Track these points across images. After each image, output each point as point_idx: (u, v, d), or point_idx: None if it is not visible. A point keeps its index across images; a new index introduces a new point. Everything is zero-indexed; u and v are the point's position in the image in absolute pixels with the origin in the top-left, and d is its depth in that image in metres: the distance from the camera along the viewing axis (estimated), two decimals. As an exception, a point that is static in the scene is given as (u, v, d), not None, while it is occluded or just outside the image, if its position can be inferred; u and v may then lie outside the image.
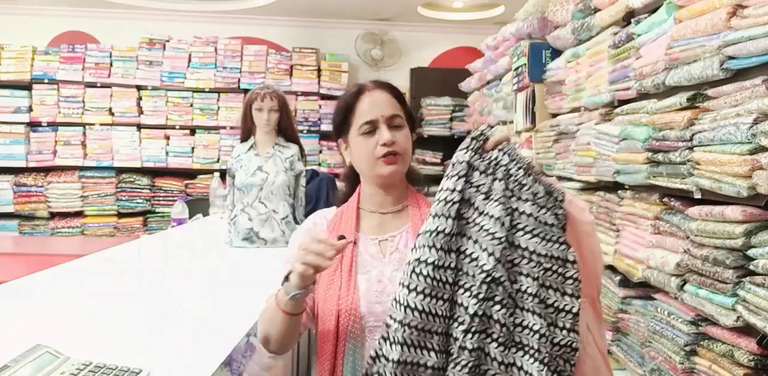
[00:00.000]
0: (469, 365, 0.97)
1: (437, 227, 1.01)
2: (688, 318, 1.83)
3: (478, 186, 1.03)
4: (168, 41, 5.75)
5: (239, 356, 1.47)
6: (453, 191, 1.03)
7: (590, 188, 2.71)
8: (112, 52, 5.66)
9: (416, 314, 0.99)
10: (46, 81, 5.56)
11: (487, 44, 4.55)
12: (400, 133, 1.28)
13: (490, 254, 0.98)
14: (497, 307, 0.97)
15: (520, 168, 1.02)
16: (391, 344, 1.00)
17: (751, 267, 1.51)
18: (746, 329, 1.59)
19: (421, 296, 0.99)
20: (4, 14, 5.77)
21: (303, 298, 1.16)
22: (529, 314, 0.98)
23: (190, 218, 3.74)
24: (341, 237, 1.29)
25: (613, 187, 2.43)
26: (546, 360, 0.97)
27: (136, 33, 5.71)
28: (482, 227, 1.00)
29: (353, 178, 1.39)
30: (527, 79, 3.40)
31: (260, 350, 1.75)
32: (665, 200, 2.01)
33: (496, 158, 1.03)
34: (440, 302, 0.99)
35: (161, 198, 5.70)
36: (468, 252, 1.01)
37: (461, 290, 1.00)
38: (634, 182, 2.18)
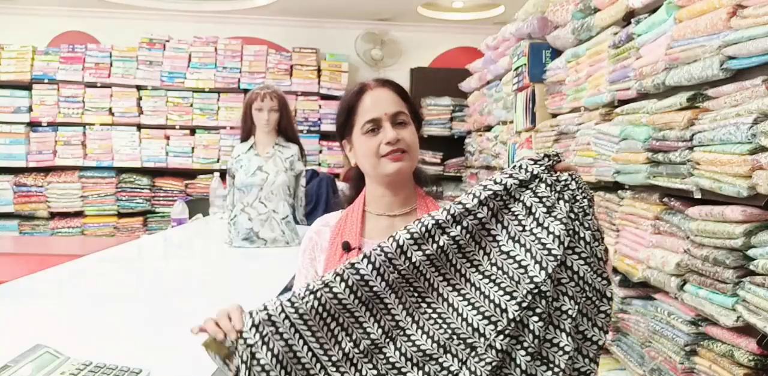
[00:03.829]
0: (494, 363, 0.96)
1: (465, 204, 1.03)
2: (688, 318, 1.83)
3: (542, 198, 1.03)
4: (168, 41, 5.75)
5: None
6: (498, 183, 1.04)
7: (590, 188, 2.70)
8: (112, 52, 5.65)
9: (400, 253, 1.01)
10: (46, 81, 5.56)
11: (487, 44, 4.56)
12: (405, 130, 1.25)
13: (543, 268, 0.98)
14: (536, 318, 0.97)
15: (585, 198, 1.05)
16: None
17: (751, 267, 1.51)
18: (746, 329, 1.59)
19: (411, 241, 1.01)
20: (4, 14, 5.77)
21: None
22: (564, 334, 0.98)
23: (190, 218, 3.74)
24: (345, 244, 1.26)
25: (613, 187, 2.43)
26: None
27: (136, 33, 5.71)
28: (539, 239, 1.01)
29: (358, 180, 1.35)
30: (527, 79, 3.40)
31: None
32: (665, 199, 2.01)
33: (565, 180, 1.05)
34: (419, 254, 1.00)
35: (161, 198, 5.70)
36: (518, 258, 1.01)
37: (496, 288, 1.00)
38: (634, 182, 2.18)
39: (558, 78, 3.09)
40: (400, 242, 1.01)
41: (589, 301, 1.01)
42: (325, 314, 0.99)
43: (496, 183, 1.04)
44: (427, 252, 1.01)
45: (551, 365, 0.98)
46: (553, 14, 3.12)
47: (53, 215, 5.59)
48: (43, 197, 5.52)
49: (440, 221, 1.02)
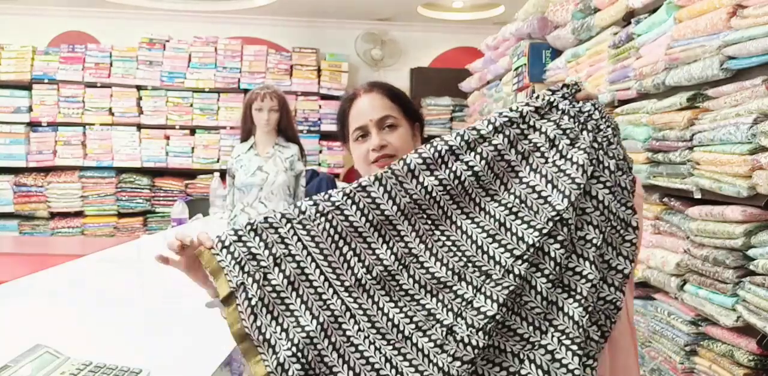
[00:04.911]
0: (511, 288, 0.94)
1: (480, 130, 1.02)
2: (688, 318, 1.83)
3: (565, 130, 1.01)
4: (168, 41, 5.75)
5: (239, 356, 1.46)
6: (514, 110, 1.03)
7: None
8: (112, 52, 5.65)
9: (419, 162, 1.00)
10: (46, 81, 5.55)
11: (487, 44, 4.56)
12: (394, 133, 1.26)
13: (565, 196, 0.96)
14: (557, 245, 0.95)
15: (608, 126, 1.02)
16: None
17: (751, 267, 1.51)
18: (746, 329, 1.60)
19: (423, 166, 0.99)
20: (4, 14, 5.77)
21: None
22: (587, 263, 0.96)
23: (190, 218, 3.73)
24: None
25: (613, 187, 2.43)
26: (590, 309, 0.95)
27: (136, 33, 5.70)
28: (562, 169, 0.99)
29: None
30: (527, 79, 3.40)
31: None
32: (665, 199, 2.01)
33: (588, 110, 1.03)
34: (442, 168, 0.99)
35: (161, 198, 5.70)
36: (538, 188, 0.99)
37: (513, 217, 0.98)
38: (634, 182, 2.18)
39: (558, 78, 3.09)
40: (411, 166, 0.99)
41: (613, 230, 0.99)
42: (336, 237, 0.98)
43: (511, 110, 1.03)
44: (440, 177, 0.99)
45: (573, 294, 0.95)
46: (553, 14, 3.12)
47: (53, 215, 5.59)
48: (43, 197, 5.52)
49: (453, 147, 1.00)
